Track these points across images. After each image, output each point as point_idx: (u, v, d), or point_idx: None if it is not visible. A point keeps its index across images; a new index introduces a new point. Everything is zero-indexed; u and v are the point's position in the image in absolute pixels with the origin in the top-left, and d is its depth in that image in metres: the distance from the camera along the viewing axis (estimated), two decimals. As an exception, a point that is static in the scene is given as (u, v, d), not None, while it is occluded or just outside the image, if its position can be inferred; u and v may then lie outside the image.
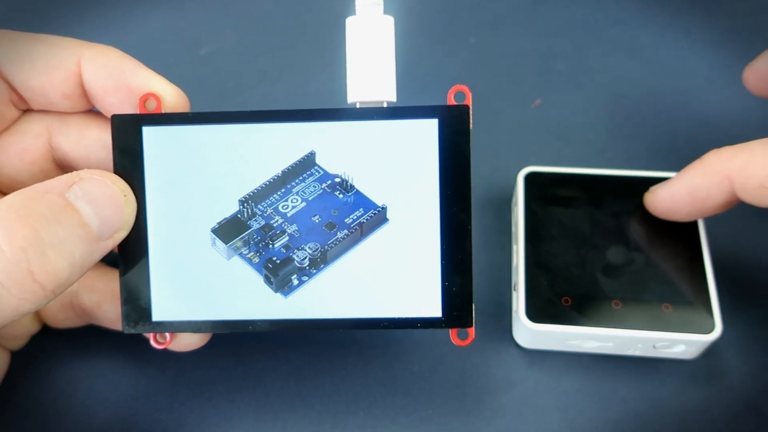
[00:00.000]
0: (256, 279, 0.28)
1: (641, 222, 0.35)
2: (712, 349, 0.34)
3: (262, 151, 0.28)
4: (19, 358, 0.34)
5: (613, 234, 0.35)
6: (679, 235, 0.35)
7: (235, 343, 0.35)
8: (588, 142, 0.39)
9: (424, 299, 0.28)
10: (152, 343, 0.29)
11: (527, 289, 0.34)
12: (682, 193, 0.33)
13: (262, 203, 0.28)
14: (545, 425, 0.33)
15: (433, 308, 0.28)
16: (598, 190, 0.36)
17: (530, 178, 0.37)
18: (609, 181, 0.36)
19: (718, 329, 0.32)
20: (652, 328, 0.32)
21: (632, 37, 0.45)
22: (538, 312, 0.33)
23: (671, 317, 0.33)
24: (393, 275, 0.28)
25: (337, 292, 0.28)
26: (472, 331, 0.28)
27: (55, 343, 0.35)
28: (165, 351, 0.29)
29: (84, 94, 0.29)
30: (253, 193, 0.28)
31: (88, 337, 0.35)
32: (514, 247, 0.36)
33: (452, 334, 0.28)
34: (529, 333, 0.33)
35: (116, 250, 0.28)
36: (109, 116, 0.28)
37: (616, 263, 0.34)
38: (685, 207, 0.33)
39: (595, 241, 0.35)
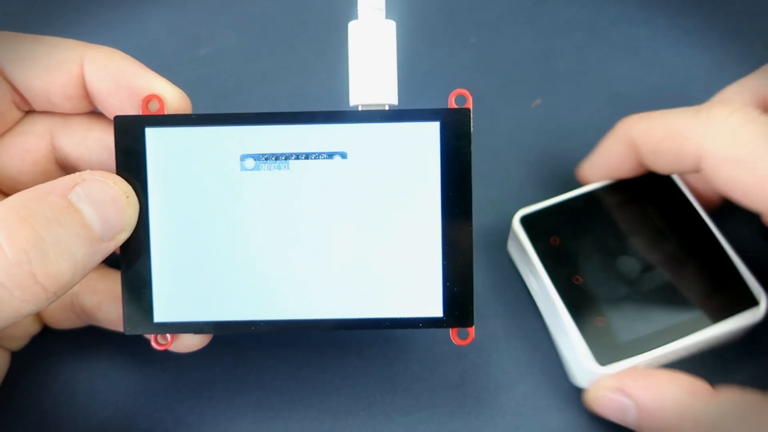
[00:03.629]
0: (258, 279, 0.28)
1: (651, 227, 0.35)
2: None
3: (264, 152, 0.28)
4: (19, 358, 0.34)
5: (631, 245, 0.34)
6: (687, 228, 0.34)
7: (235, 343, 0.35)
8: (588, 142, 0.39)
9: (426, 299, 0.28)
10: (153, 344, 0.29)
11: (584, 335, 0.32)
12: (600, 160, 0.35)
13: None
14: (545, 425, 0.33)
15: (435, 308, 0.28)
16: (593, 208, 0.35)
17: (527, 221, 0.35)
18: (598, 195, 0.36)
19: (763, 301, 0.32)
20: (712, 321, 0.32)
21: (632, 37, 0.45)
22: (604, 355, 0.32)
23: (718, 305, 0.32)
24: (394, 275, 0.28)
25: (339, 292, 0.28)
26: (472, 331, 0.28)
27: (56, 344, 0.35)
28: (165, 351, 0.29)
29: (86, 95, 0.29)
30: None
31: (89, 337, 0.35)
32: (540, 296, 0.35)
33: (453, 333, 0.28)
34: (598, 377, 0.32)
35: (118, 251, 0.28)
36: (111, 117, 0.28)
37: (647, 273, 0.34)
38: (604, 172, 0.35)
39: (618, 257, 0.34)
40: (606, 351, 0.32)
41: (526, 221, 0.35)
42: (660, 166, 0.33)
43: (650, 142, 0.32)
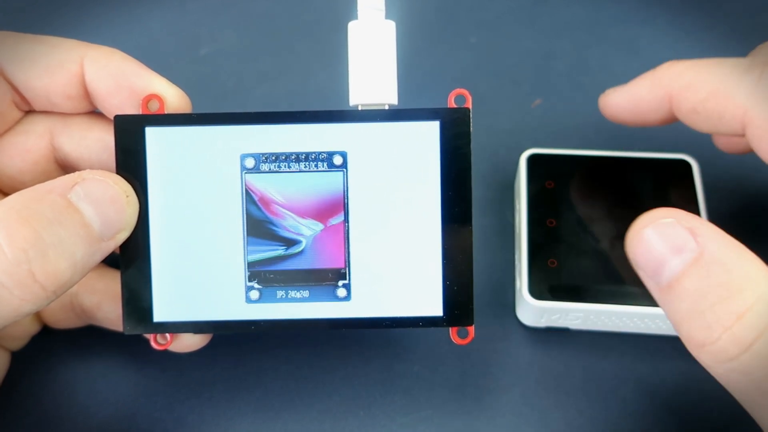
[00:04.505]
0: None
1: (640, 200, 0.36)
2: None
3: (264, 152, 0.28)
4: (19, 358, 0.34)
5: (614, 213, 0.36)
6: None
7: (235, 343, 0.35)
8: (588, 142, 0.39)
9: (425, 298, 0.28)
10: (153, 344, 0.29)
11: (530, 267, 0.35)
12: (629, 99, 0.33)
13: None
14: (546, 425, 0.33)
15: (434, 307, 0.28)
16: (599, 171, 0.37)
17: (532, 160, 0.38)
18: (609, 161, 0.37)
19: None
20: (651, 304, 0.33)
21: (632, 37, 0.45)
22: (540, 290, 0.34)
23: None
24: (394, 275, 0.28)
25: (339, 292, 0.28)
26: (472, 330, 0.28)
27: (55, 344, 0.35)
28: (165, 351, 0.29)
29: (86, 95, 0.29)
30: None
31: (88, 337, 0.35)
32: (517, 229, 0.37)
33: (452, 332, 0.28)
34: (532, 310, 0.34)
35: (118, 251, 0.28)
36: (111, 117, 0.28)
37: (617, 241, 0.35)
38: (628, 112, 0.34)
39: (596, 220, 0.36)
40: (543, 288, 0.34)
41: (532, 160, 0.38)
42: (699, 125, 0.31)
43: (692, 99, 0.30)
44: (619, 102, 0.34)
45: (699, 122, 0.31)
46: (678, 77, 0.31)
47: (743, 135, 0.29)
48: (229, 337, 0.35)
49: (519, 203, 0.37)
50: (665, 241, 0.24)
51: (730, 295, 0.23)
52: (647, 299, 0.33)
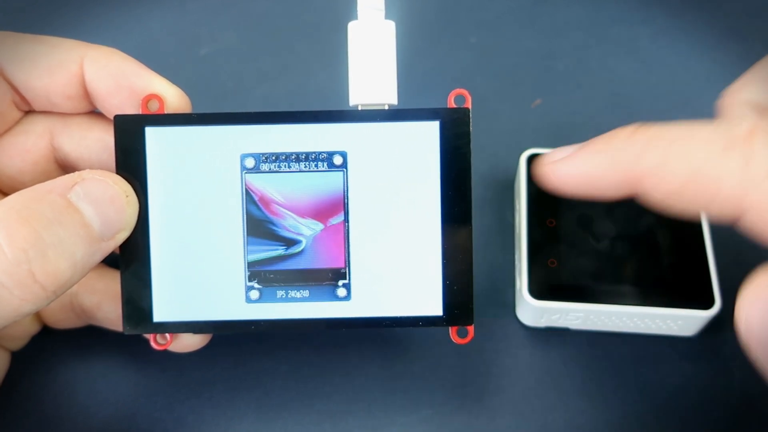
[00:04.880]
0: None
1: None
2: (713, 326, 0.34)
3: (264, 152, 0.28)
4: (19, 358, 0.34)
5: (614, 213, 0.36)
6: (678, 219, 0.35)
7: (235, 343, 0.35)
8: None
9: (425, 298, 0.28)
10: (152, 344, 0.29)
11: (530, 267, 0.35)
12: (581, 177, 0.27)
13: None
14: (546, 425, 0.33)
15: (434, 307, 0.28)
16: None
17: (532, 160, 0.37)
18: None
19: (717, 305, 0.33)
20: (651, 304, 0.33)
21: (632, 37, 0.45)
22: (540, 290, 0.34)
23: (671, 293, 0.33)
24: (394, 274, 0.28)
25: (339, 292, 0.28)
26: (472, 330, 0.28)
27: (55, 344, 0.35)
28: (165, 351, 0.29)
29: (86, 95, 0.29)
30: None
31: (88, 337, 0.35)
32: (517, 229, 0.37)
33: (452, 332, 0.28)
34: (532, 310, 0.34)
35: (117, 251, 0.28)
36: (111, 117, 0.28)
37: (616, 241, 0.35)
38: (581, 191, 0.27)
39: (596, 220, 0.36)
40: (543, 288, 0.34)
41: (532, 160, 0.37)
42: (682, 210, 0.25)
43: (668, 182, 0.24)
44: (569, 175, 0.27)
45: (679, 206, 0.25)
46: (644, 157, 0.25)
47: (736, 220, 0.24)
48: (229, 337, 0.35)
49: (519, 203, 0.37)
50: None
51: None
52: (647, 299, 0.33)
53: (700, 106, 0.41)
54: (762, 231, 0.23)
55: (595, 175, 0.26)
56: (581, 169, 0.27)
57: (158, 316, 0.28)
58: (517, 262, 0.36)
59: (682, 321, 0.33)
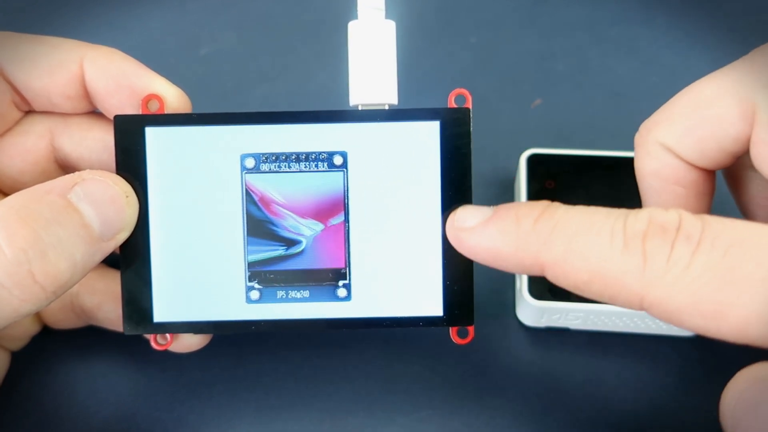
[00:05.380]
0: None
1: (640, 200, 0.36)
2: None
3: (264, 152, 0.28)
4: (19, 358, 0.34)
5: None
6: None
7: (235, 343, 0.35)
8: (588, 142, 0.39)
9: (426, 298, 0.28)
10: (153, 344, 0.29)
11: None
12: (488, 252, 0.26)
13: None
14: (546, 425, 0.33)
15: (435, 307, 0.28)
16: (599, 171, 0.37)
17: (532, 160, 0.37)
18: (609, 161, 0.37)
19: None
20: None
21: (632, 37, 0.45)
22: (540, 290, 0.34)
23: None
24: (395, 275, 0.28)
25: (339, 292, 0.28)
26: (472, 330, 0.28)
27: (56, 344, 0.35)
28: (165, 351, 0.29)
29: (86, 95, 0.29)
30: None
31: (88, 337, 0.35)
32: None
33: (452, 332, 0.29)
34: (532, 310, 0.34)
35: (117, 251, 0.28)
36: (111, 117, 0.28)
37: None
38: (487, 262, 0.26)
39: None
40: (543, 288, 0.34)
41: (532, 160, 0.37)
42: (589, 297, 0.25)
43: (571, 277, 0.24)
44: (476, 247, 0.26)
45: (583, 294, 0.24)
46: (545, 249, 0.24)
47: (642, 310, 0.24)
48: (229, 337, 0.35)
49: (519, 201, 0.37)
50: None
51: None
52: None
53: (700, 106, 0.41)
54: (668, 322, 0.23)
55: (500, 256, 0.25)
56: (486, 245, 0.26)
57: (158, 316, 0.28)
58: None
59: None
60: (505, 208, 0.26)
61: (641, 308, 0.23)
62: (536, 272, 0.25)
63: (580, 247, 0.23)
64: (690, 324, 0.22)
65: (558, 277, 0.24)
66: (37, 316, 0.34)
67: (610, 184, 0.36)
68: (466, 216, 0.27)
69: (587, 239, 0.23)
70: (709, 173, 0.29)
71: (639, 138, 0.29)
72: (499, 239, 0.25)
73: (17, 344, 0.34)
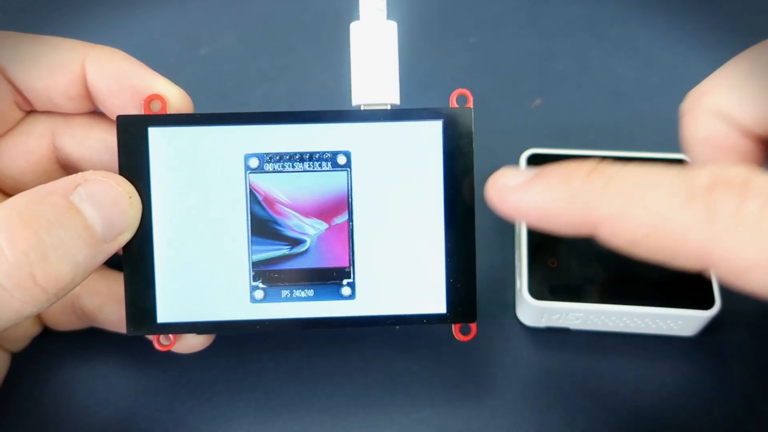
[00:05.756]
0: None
1: None
2: (713, 326, 0.34)
3: (267, 152, 0.28)
4: (19, 358, 0.34)
5: None
6: None
7: (235, 343, 0.35)
8: (588, 142, 0.39)
9: (429, 296, 0.28)
10: (156, 345, 0.29)
11: (530, 267, 0.35)
12: (534, 211, 0.24)
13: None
14: (546, 425, 0.33)
15: (438, 305, 0.28)
16: None
17: (532, 160, 0.38)
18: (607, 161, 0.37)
19: (717, 305, 0.33)
20: (651, 304, 0.33)
21: (632, 37, 0.45)
22: (540, 290, 0.34)
23: (671, 293, 0.33)
24: (398, 273, 0.28)
25: (344, 291, 0.28)
26: (475, 327, 0.29)
27: (56, 344, 0.35)
28: (166, 351, 0.29)
29: (88, 95, 0.29)
30: None
31: (89, 337, 0.35)
32: (517, 229, 0.37)
33: (455, 329, 0.29)
34: (532, 310, 0.34)
35: (120, 252, 0.28)
36: (113, 117, 0.28)
37: None
38: (531, 222, 0.25)
39: None
40: (543, 288, 0.34)
41: (532, 160, 0.38)
42: (642, 257, 0.23)
43: (629, 232, 0.23)
44: (520, 206, 0.25)
45: (638, 255, 0.23)
46: (600, 203, 0.23)
47: (704, 270, 0.23)
48: (229, 337, 0.35)
49: None
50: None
51: None
52: (647, 299, 0.33)
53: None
54: (732, 281, 0.22)
55: (549, 213, 0.24)
56: (534, 203, 0.24)
57: (162, 316, 0.28)
58: (517, 262, 0.36)
59: (682, 321, 0.33)
60: (551, 167, 0.25)
61: (704, 265, 0.22)
62: (587, 230, 0.23)
63: (639, 201, 0.22)
64: (759, 282, 0.21)
65: (613, 234, 0.23)
66: (38, 317, 0.34)
67: None
68: (510, 175, 0.25)
69: (647, 192, 0.22)
70: (763, 143, 0.27)
71: (689, 105, 0.28)
72: (547, 196, 0.24)
73: (18, 345, 0.34)
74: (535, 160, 0.37)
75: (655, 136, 0.40)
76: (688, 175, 0.22)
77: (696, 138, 0.28)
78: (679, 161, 0.37)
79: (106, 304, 0.32)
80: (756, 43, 0.27)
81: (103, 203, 0.25)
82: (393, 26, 0.28)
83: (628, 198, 0.22)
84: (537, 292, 0.34)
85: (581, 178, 0.24)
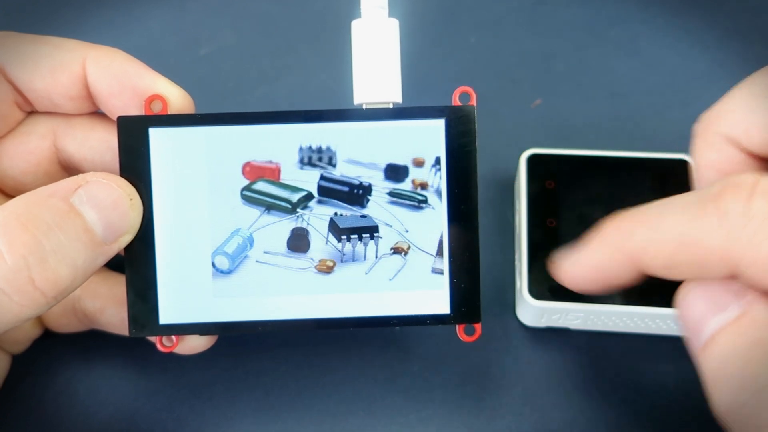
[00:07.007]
0: (263, 277, 0.28)
1: (640, 200, 0.36)
2: None
3: (269, 152, 0.28)
4: (19, 359, 0.34)
5: (614, 213, 0.36)
6: None
7: (235, 343, 0.35)
8: (588, 142, 0.39)
9: (433, 297, 0.28)
10: (159, 346, 0.29)
11: (530, 267, 0.35)
12: (590, 270, 0.27)
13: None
14: (546, 425, 0.33)
15: (442, 305, 0.28)
16: (599, 171, 0.37)
17: (532, 160, 0.38)
18: (609, 161, 0.37)
19: None
20: (651, 304, 0.33)
21: (632, 37, 0.45)
22: (540, 290, 0.34)
23: (671, 293, 0.33)
24: (401, 273, 0.28)
25: (347, 292, 0.28)
26: (479, 327, 0.29)
27: (56, 345, 0.35)
28: (168, 353, 0.29)
29: (89, 95, 0.29)
30: None
31: (89, 338, 0.35)
32: (517, 229, 0.37)
33: (459, 330, 0.29)
34: (532, 310, 0.34)
35: (122, 254, 0.28)
36: (114, 118, 0.28)
37: None
38: (596, 286, 0.27)
39: (596, 220, 0.36)
40: (543, 288, 0.34)
41: (532, 160, 0.37)
42: (678, 277, 0.25)
43: (660, 252, 0.24)
44: (580, 274, 0.27)
45: (679, 275, 0.25)
46: (632, 237, 0.25)
47: (734, 277, 0.23)
48: (230, 337, 0.35)
49: (519, 203, 0.37)
50: (707, 300, 0.24)
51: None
52: (647, 299, 0.33)
53: (700, 106, 0.41)
54: (760, 281, 0.23)
55: (601, 265, 0.26)
56: (588, 263, 0.27)
57: (164, 318, 0.28)
58: (517, 262, 0.36)
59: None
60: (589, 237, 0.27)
61: (730, 271, 0.23)
62: (635, 267, 0.25)
63: (661, 222, 0.24)
64: None
65: (650, 259, 0.24)
66: (39, 320, 0.34)
67: (610, 184, 0.37)
68: (567, 259, 0.27)
69: (666, 214, 0.24)
70: None
71: (701, 128, 0.28)
72: (594, 253, 0.26)
73: (18, 347, 0.34)
74: (535, 160, 0.37)
75: (655, 136, 0.40)
76: (701, 189, 0.24)
77: (707, 161, 0.28)
78: (680, 161, 0.37)
79: (108, 307, 0.32)
80: (755, 44, 0.27)
81: (104, 205, 0.25)
82: (395, 24, 0.28)
83: (653, 223, 0.24)
84: (537, 292, 0.34)
85: (613, 225, 0.26)
